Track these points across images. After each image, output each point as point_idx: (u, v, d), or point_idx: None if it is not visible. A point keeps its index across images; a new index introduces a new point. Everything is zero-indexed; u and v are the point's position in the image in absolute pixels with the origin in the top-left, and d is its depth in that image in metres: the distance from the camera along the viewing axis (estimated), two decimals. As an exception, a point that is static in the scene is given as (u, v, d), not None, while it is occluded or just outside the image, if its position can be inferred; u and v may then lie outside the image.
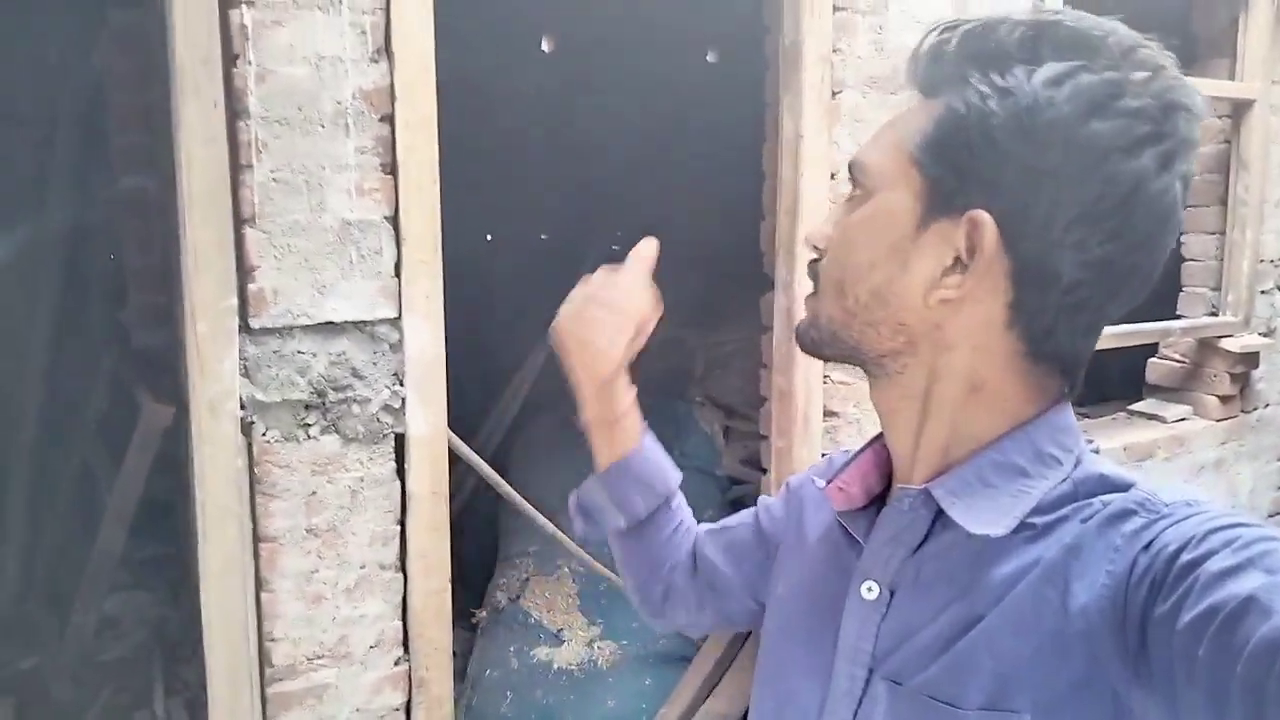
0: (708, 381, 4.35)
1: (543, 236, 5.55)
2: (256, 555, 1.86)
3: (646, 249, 0.89)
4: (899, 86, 2.56)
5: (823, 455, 0.92)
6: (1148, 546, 0.58)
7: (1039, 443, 0.66)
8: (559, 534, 2.79)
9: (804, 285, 2.52)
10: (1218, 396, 3.22)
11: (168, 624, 3.46)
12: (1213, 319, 3.18)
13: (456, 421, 2.09)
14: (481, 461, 2.25)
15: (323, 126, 1.89)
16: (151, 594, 3.56)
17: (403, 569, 1.99)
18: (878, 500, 0.76)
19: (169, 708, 3.06)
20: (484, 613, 3.19)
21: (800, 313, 0.78)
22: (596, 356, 0.87)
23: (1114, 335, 2.87)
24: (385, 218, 1.95)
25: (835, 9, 2.44)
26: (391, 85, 1.94)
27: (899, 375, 0.70)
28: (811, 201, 2.40)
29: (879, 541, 0.72)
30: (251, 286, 1.83)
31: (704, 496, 3.61)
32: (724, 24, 3.66)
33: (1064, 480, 0.65)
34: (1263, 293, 3.28)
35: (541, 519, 2.75)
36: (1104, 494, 0.64)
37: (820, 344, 0.73)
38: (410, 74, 1.95)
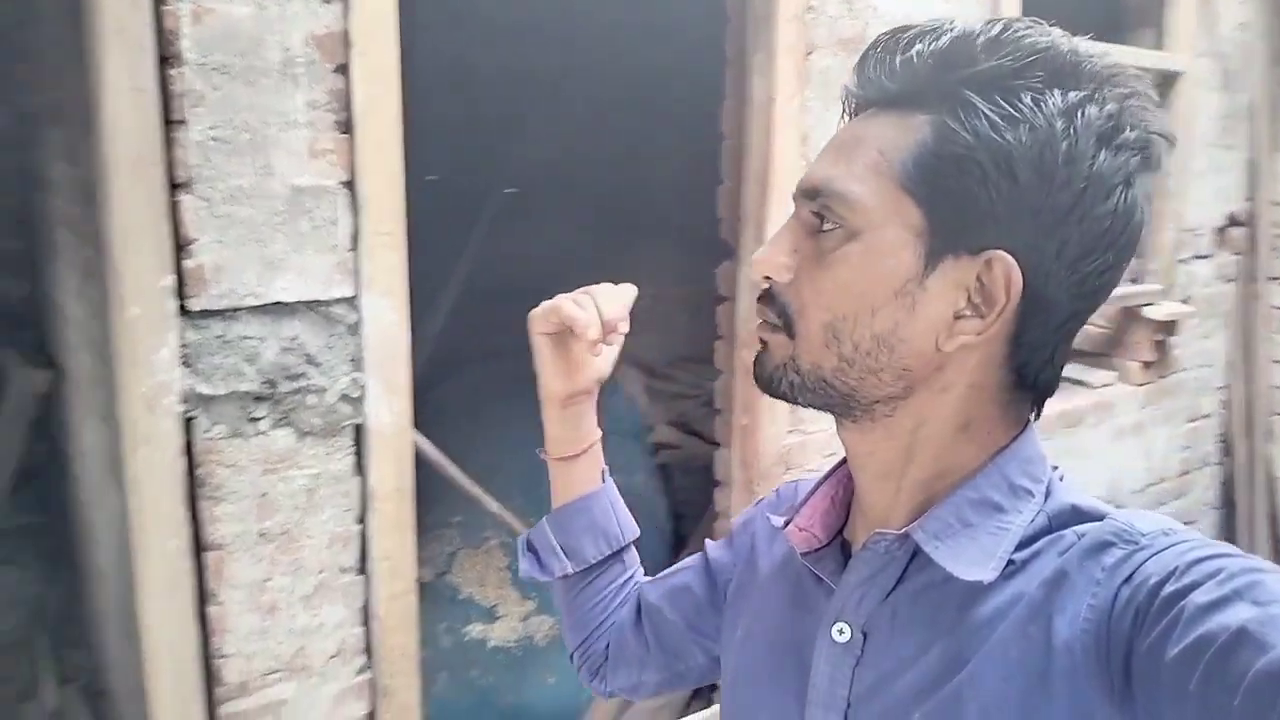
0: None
1: (431, 178, 5.05)
2: (201, 566, 1.65)
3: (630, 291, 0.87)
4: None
5: (774, 492, 0.89)
6: (1129, 579, 0.56)
7: (1011, 475, 0.64)
8: (486, 501, 2.63)
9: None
10: (1140, 362, 3.32)
11: (46, 603, 3.15)
12: (1136, 287, 3.24)
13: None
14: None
15: (268, 77, 1.64)
16: (23, 570, 3.22)
17: (363, 571, 1.82)
18: (838, 536, 0.73)
19: (63, 697, 2.79)
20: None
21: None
22: (572, 356, 0.85)
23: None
24: (341, 183, 1.73)
25: (808, -38, 2.30)
26: (346, 30, 1.70)
27: (886, 419, 0.66)
28: (783, 168, 2.28)
29: (851, 584, 0.68)
30: (188, 263, 1.59)
31: (631, 462, 3.50)
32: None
33: (1038, 513, 0.63)
34: (1181, 262, 3.38)
35: (468, 485, 2.58)
36: (1078, 525, 0.62)
37: (799, 389, 0.66)
38: (369, 17, 1.72)
